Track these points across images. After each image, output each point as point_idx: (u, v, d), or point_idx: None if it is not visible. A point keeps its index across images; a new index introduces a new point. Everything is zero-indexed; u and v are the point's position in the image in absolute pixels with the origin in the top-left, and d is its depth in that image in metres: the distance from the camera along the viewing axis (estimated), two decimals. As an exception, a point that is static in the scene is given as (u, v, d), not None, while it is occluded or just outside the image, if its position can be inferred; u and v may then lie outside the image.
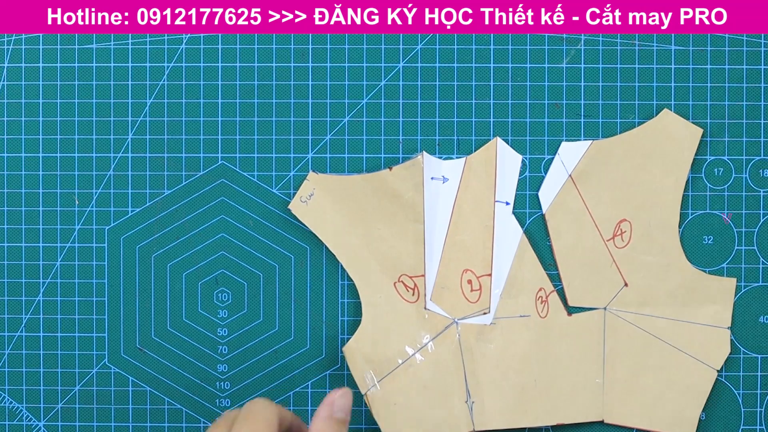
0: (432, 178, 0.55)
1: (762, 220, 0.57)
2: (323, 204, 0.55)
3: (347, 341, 0.56)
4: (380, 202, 0.55)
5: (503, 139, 0.57)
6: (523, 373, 0.56)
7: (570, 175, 0.56)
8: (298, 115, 0.58)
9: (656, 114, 0.57)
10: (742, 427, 0.58)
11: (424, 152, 0.55)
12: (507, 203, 0.56)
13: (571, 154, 0.57)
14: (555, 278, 0.57)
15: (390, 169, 0.55)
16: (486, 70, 0.57)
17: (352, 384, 0.57)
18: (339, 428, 0.51)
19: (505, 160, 0.56)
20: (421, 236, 0.55)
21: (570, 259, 0.56)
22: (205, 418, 0.58)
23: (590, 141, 0.57)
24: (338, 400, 0.51)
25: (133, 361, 0.58)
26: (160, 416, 0.58)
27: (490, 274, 0.56)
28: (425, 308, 0.56)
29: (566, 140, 0.57)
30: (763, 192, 0.57)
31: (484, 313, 0.56)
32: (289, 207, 0.56)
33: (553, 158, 0.57)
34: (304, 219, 0.56)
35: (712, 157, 0.57)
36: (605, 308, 0.56)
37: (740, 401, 0.58)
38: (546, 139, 0.57)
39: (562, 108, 0.57)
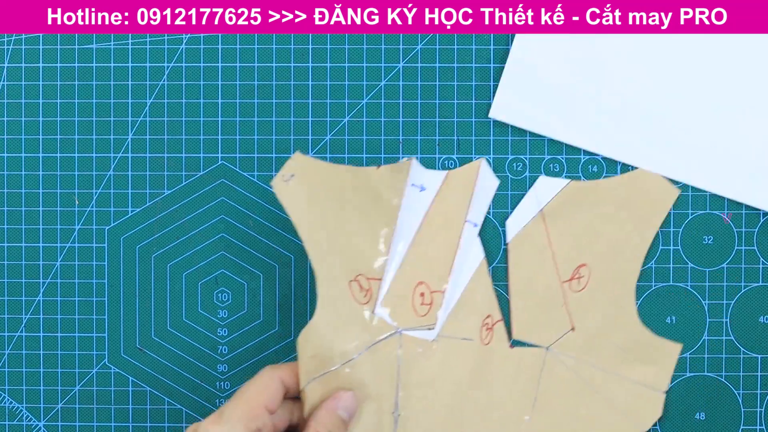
0: (412, 185, 0.55)
1: (762, 220, 0.57)
2: (303, 187, 0.54)
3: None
4: (358, 198, 0.54)
5: (503, 139, 0.57)
6: (456, 395, 0.55)
7: (541, 210, 0.56)
8: (298, 115, 0.58)
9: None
10: (742, 427, 0.58)
11: (413, 158, 0.55)
12: (475, 225, 0.56)
13: (546, 189, 0.57)
14: (505, 308, 0.57)
15: (377, 167, 0.54)
16: (486, 70, 0.57)
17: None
18: (339, 425, 0.51)
19: (484, 183, 0.56)
20: (388, 240, 0.54)
21: (523, 293, 0.56)
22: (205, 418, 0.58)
23: (568, 180, 0.57)
24: (344, 399, 0.52)
25: (133, 361, 0.58)
26: (160, 416, 0.58)
27: (443, 291, 0.55)
28: (373, 312, 0.55)
29: (544, 176, 0.57)
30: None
31: (429, 329, 0.55)
32: (271, 183, 0.54)
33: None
34: (282, 198, 0.53)
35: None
36: (548, 348, 0.56)
37: (740, 401, 0.58)
38: (546, 138, 0.57)
39: (562, 108, 0.57)
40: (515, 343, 0.57)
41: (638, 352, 0.56)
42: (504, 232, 0.57)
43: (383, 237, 0.54)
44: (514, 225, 0.57)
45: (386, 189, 0.54)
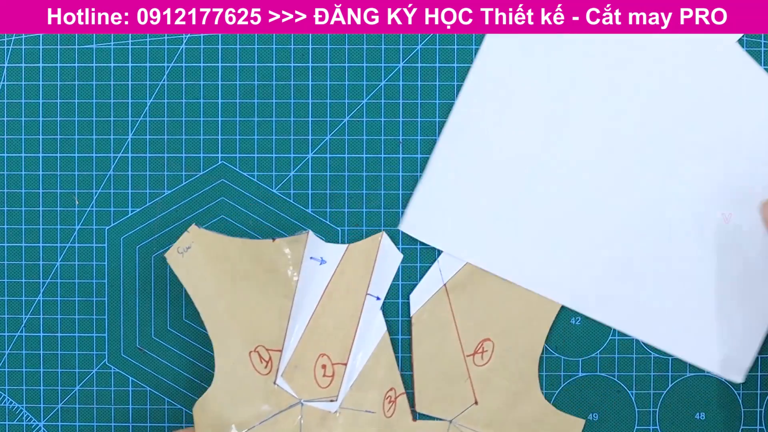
0: (311, 258, 0.55)
1: (762, 220, 0.57)
2: (198, 259, 0.54)
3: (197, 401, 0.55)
4: (255, 270, 0.54)
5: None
6: None
7: (444, 285, 0.56)
8: (298, 115, 0.58)
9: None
10: (742, 427, 0.58)
11: (310, 231, 0.54)
12: (378, 298, 0.56)
13: (450, 263, 0.56)
14: (408, 381, 0.57)
15: (273, 240, 0.54)
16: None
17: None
18: None
19: (386, 256, 0.56)
20: (287, 312, 0.54)
21: (427, 366, 0.56)
22: (205, 418, 0.58)
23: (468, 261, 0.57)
24: None
25: (133, 361, 0.58)
26: (160, 416, 0.58)
27: (345, 364, 0.55)
28: (275, 383, 0.55)
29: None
30: (763, 192, 0.57)
31: (331, 400, 0.55)
32: (165, 255, 0.54)
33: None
34: (177, 271, 0.54)
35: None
36: (451, 421, 0.56)
37: (740, 401, 0.58)
38: (546, 139, 0.57)
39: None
40: (418, 417, 0.57)
41: (542, 427, 0.56)
42: (407, 304, 0.57)
43: (282, 309, 0.54)
44: (417, 298, 0.56)
45: (282, 261, 0.54)
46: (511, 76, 0.56)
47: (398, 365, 0.57)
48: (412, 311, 0.56)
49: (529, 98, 0.56)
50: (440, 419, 0.56)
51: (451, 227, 0.56)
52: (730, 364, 0.56)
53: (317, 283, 0.55)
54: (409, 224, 0.57)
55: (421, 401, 0.56)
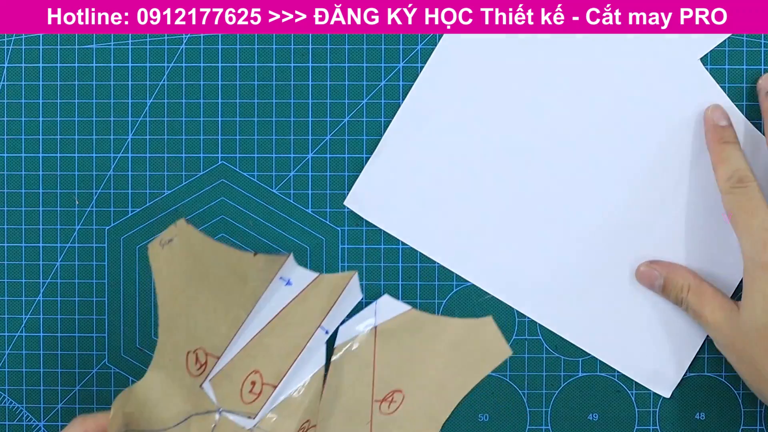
0: (280, 277, 0.54)
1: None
2: (175, 254, 0.52)
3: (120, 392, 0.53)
4: (225, 278, 0.53)
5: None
6: None
7: (375, 326, 0.56)
8: (298, 115, 0.58)
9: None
10: (742, 427, 0.58)
11: (291, 255, 0.54)
12: (327, 331, 0.55)
13: (387, 308, 0.56)
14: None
15: (254, 254, 0.53)
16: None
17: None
18: None
19: (348, 294, 0.55)
20: (238, 323, 0.54)
21: (334, 399, 0.56)
22: (205, 418, 0.58)
23: (410, 307, 0.56)
24: None
25: (133, 361, 0.58)
26: (160, 416, 0.58)
27: (275, 387, 0.55)
28: (201, 386, 0.54)
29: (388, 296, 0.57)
30: (763, 192, 0.57)
31: (249, 417, 0.55)
32: (147, 246, 0.52)
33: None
34: (153, 263, 0.52)
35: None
36: None
37: (740, 401, 0.58)
38: (546, 139, 0.57)
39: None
40: None
41: None
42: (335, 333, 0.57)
43: (234, 318, 0.54)
44: (346, 331, 0.56)
45: (253, 275, 0.53)
46: (466, 72, 0.56)
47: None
48: (337, 342, 0.56)
49: (481, 94, 0.56)
50: None
51: (393, 208, 0.57)
52: (660, 378, 0.57)
53: (275, 302, 0.54)
54: (353, 200, 0.57)
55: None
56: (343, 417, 0.56)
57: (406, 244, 0.57)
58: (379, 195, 0.57)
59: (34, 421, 0.58)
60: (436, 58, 0.56)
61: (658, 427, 0.58)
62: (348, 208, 0.57)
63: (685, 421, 0.58)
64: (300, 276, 0.55)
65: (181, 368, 0.53)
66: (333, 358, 0.56)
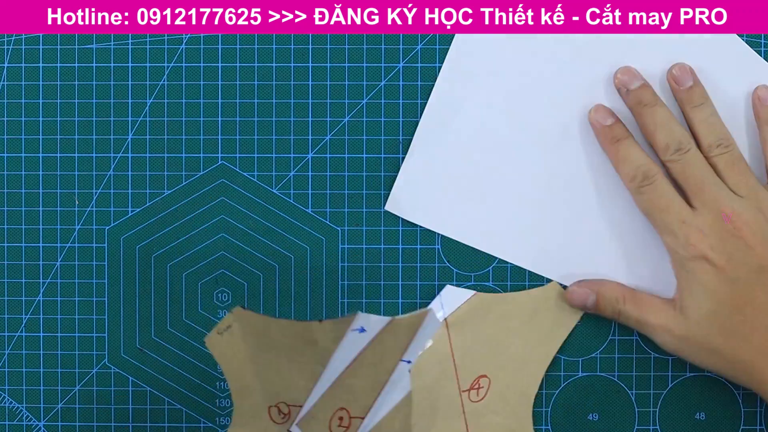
0: (352, 330, 0.52)
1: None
2: (237, 339, 0.51)
3: None
4: (294, 344, 0.52)
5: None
6: None
7: (445, 319, 0.56)
8: (298, 115, 0.58)
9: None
10: (742, 427, 0.58)
11: (358, 313, 0.51)
12: (409, 362, 0.53)
13: (451, 298, 0.56)
14: None
15: (320, 321, 0.51)
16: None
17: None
18: None
19: (427, 327, 0.53)
20: (317, 377, 0.53)
21: (422, 400, 0.56)
22: (205, 418, 0.58)
23: (474, 292, 0.56)
24: None
25: (133, 361, 0.58)
26: (160, 416, 0.58)
27: (363, 418, 0.54)
28: (289, 430, 0.53)
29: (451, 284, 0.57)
30: (763, 192, 0.57)
31: None
32: (204, 340, 0.51)
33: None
34: (214, 351, 0.51)
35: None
36: None
37: (740, 401, 0.58)
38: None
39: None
40: None
41: None
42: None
43: (312, 373, 0.52)
44: None
45: (324, 338, 0.52)
46: (483, 69, 0.57)
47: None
48: None
49: (500, 88, 0.57)
50: None
51: (433, 205, 0.57)
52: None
53: (351, 348, 0.52)
54: (394, 205, 0.57)
55: None
56: (436, 416, 0.56)
57: (406, 244, 0.57)
58: (418, 195, 0.57)
59: (34, 421, 0.58)
60: (454, 55, 0.56)
61: (658, 427, 0.58)
62: (348, 209, 0.57)
63: (685, 421, 0.58)
64: (373, 323, 0.52)
65: (263, 420, 0.53)
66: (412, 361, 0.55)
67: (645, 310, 0.54)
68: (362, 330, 0.52)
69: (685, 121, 0.55)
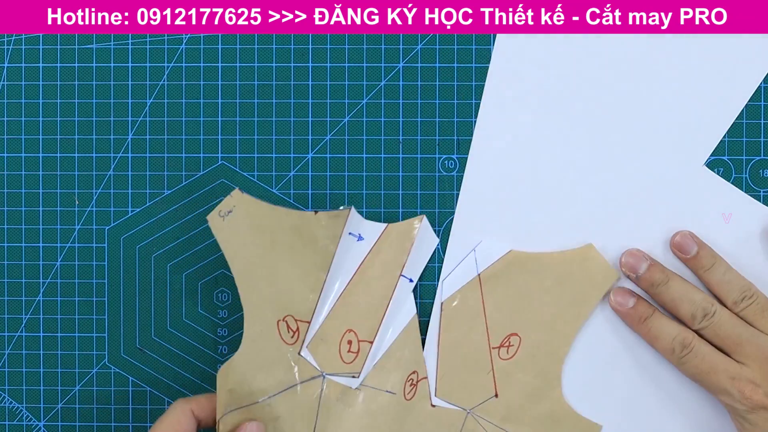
0: (349, 233, 0.55)
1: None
2: (239, 224, 0.54)
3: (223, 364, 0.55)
4: (293, 241, 0.54)
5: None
6: None
7: (479, 274, 0.56)
8: (298, 115, 0.58)
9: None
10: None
11: (352, 207, 0.54)
12: (411, 280, 0.56)
13: (486, 253, 0.56)
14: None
15: (315, 212, 0.54)
16: (486, 70, 0.57)
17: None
18: None
19: (423, 240, 0.56)
20: (320, 285, 0.55)
21: (451, 354, 0.56)
22: (205, 418, 0.58)
23: (509, 248, 0.56)
24: (251, 429, 0.53)
25: (133, 361, 0.58)
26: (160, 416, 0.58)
27: (372, 342, 0.55)
28: (299, 353, 0.55)
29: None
30: (763, 192, 0.57)
31: (353, 377, 0.55)
32: (207, 218, 0.54)
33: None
34: (217, 234, 0.54)
35: (712, 157, 0.57)
36: (469, 411, 0.56)
37: (740, 401, 0.58)
38: (546, 139, 0.57)
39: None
40: (437, 402, 0.56)
41: (559, 427, 0.56)
42: (437, 288, 0.57)
43: (315, 281, 0.55)
44: (450, 285, 0.56)
45: (322, 234, 0.54)
46: (526, 73, 0.57)
47: (423, 349, 0.56)
48: (443, 297, 0.56)
49: (542, 93, 0.57)
50: (458, 407, 0.56)
51: (500, 221, 0.57)
52: None
53: (352, 259, 0.55)
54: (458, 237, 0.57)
55: (442, 388, 0.56)
56: (465, 370, 0.56)
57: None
58: (484, 216, 0.57)
59: (34, 421, 0.58)
60: (497, 61, 0.56)
61: (658, 427, 0.58)
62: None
63: (685, 421, 0.58)
64: (370, 229, 0.55)
65: (274, 338, 0.55)
66: (442, 313, 0.56)
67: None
68: (360, 238, 0.55)
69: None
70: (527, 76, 0.57)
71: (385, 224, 0.56)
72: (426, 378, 0.56)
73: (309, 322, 0.55)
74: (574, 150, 0.57)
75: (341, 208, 0.55)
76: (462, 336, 0.56)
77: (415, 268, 0.56)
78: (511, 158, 0.57)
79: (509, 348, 0.56)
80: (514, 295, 0.56)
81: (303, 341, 0.55)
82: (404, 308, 0.56)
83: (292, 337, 0.55)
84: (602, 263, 0.56)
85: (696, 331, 0.54)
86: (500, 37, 0.57)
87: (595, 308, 0.56)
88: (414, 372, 0.56)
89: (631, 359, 0.56)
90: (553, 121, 0.57)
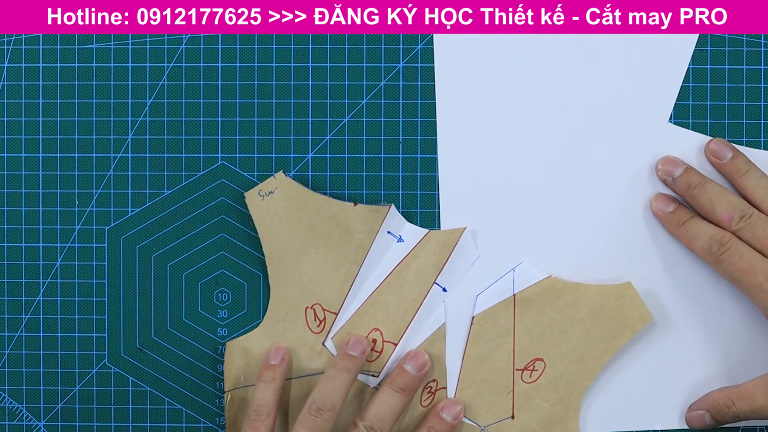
0: (388, 232, 0.55)
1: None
2: (277, 205, 0.55)
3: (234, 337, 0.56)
4: (330, 230, 0.55)
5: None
6: None
7: (514, 294, 0.56)
8: (298, 115, 0.58)
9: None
10: (741, 427, 0.58)
11: (392, 205, 0.55)
12: (444, 289, 0.56)
13: (524, 275, 0.56)
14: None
15: (354, 204, 0.55)
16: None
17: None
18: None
19: (462, 251, 0.56)
20: (351, 277, 0.55)
21: (474, 368, 0.56)
22: (205, 418, 0.58)
23: (548, 274, 0.56)
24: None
25: (133, 361, 0.58)
26: (160, 416, 0.58)
27: (396, 344, 0.56)
28: (323, 344, 0.56)
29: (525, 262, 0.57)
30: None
31: (374, 375, 0.56)
32: (245, 194, 0.55)
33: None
34: (254, 212, 0.55)
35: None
36: (483, 428, 0.56)
37: (740, 401, 0.58)
38: (546, 139, 0.57)
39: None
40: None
41: None
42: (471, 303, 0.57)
43: (347, 273, 0.55)
44: (484, 300, 0.56)
45: (359, 227, 0.55)
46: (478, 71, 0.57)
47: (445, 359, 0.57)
48: (476, 311, 0.56)
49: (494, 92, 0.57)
50: (473, 423, 0.56)
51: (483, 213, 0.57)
52: None
53: (389, 259, 0.56)
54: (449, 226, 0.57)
55: (460, 400, 0.56)
56: (485, 386, 0.56)
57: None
58: (465, 211, 0.57)
59: (34, 421, 0.58)
60: (440, 62, 0.56)
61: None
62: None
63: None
64: (410, 232, 0.56)
65: (301, 324, 0.55)
66: (472, 327, 0.56)
67: (754, 398, 0.54)
68: (400, 239, 0.56)
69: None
70: (471, 77, 0.57)
71: (426, 229, 0.56)
72: (445, 388, 0.56)
73: (336, 313, 0.55)
74: (540, 144, 0.57)
75: (380, 203, 0.55)
76: (488, 352, 0.56)
77: (451, 278, 0.56)
78: (476, 154, 0.57)
79: (533, 372, 0.56)
80: (546, 320, 0.56)
81: (328, 332, 0.55)
82: (433, 315, 0.56)
83: (319, 326, 0.56)
84: (639, 303, 0.56)
85: (733, 233, 0.54)
86: (437, 37, 0.57)
87: (625, 346, 0.56)
88: (434, 380, 0.56)
89: (657, 398, 0.56)
90: (509, 118, 0.57)
